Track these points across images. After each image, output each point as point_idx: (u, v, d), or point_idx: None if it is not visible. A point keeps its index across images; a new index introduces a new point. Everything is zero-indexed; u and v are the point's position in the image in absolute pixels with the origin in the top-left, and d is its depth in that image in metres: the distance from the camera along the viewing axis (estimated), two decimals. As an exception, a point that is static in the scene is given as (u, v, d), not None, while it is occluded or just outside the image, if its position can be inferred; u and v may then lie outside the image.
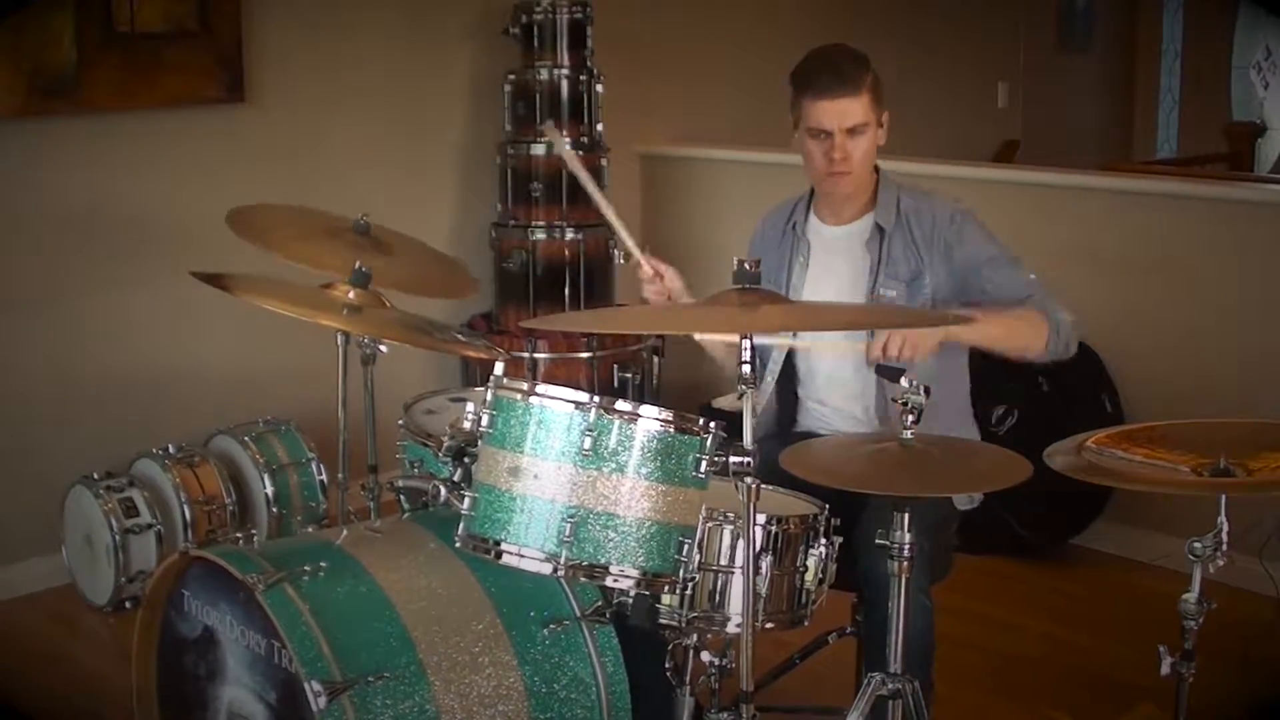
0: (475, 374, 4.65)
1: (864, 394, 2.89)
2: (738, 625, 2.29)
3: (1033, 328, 2.74)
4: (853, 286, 2.88)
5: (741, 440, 2.15)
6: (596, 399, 2.16)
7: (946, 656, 2.70)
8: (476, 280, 3.71)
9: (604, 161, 4.83)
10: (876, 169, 2.91)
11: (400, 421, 2.92)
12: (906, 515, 2.28)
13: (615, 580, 2.18)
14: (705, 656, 2.35)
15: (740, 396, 2.13)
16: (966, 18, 6.89)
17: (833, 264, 2.92)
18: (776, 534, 2.35)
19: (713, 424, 2.20)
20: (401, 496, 2.74)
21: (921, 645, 2.59)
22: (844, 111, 2.78)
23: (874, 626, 2.55)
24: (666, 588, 2.23)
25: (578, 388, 2.22)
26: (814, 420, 2.98)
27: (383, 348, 3.04)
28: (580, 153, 4.75)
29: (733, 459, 2.14)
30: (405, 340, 2.94)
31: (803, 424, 3.01)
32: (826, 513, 2.44)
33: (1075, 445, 2.36)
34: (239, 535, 2.54)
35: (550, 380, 3.74)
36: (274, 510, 4.09)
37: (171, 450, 4.06)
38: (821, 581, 2.41)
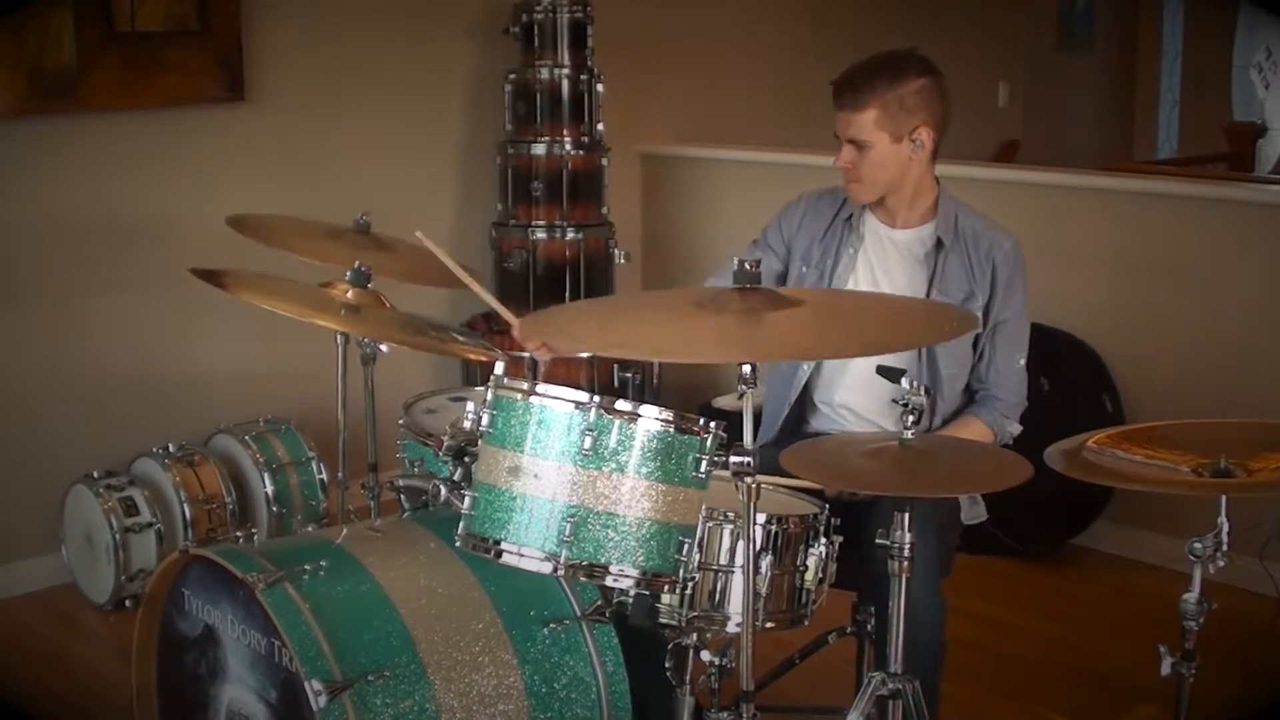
0: (475, 373, 4.64)
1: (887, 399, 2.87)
2: (738, 625, 2.29)
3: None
4: (906, 293, 2.86)
5: (741, 440, 2.15)
6: (597, 399, 2.16)
7: (947, 656, 2.70)
8: (475, 271, 3.72)
9: (604, 161, 4.83)
10: (938, 182, 2.90)
11: (400, 421, 2.92)
12: (907, 515, 2.29)
13: (615, 580, 2.18)
14: (705, 656, 2.35)
15: (740, 396, 2.13)
16: (966, 18, 6.88)
17: (885, 265, 2.90)
18: (776, 533, 2.35)
19: (713, 424, 2.20)
20: (402, 496, 2.74)
21: (934, 642, 2.59)
22: (846, 123, 2.80)
23: (885, 626, 2.55)
24: (666, 587, 2.23)
25: (578, 388, 2.22)
26: (828, 424, 2.96)
27: (383, 347, 3.04)
28: (580, 152, 4.76)
29: (733, 459, 2.14)
30: (403, 342, 2.94)
31: (815, 427, 2.99)
32: (827, 512, 2.44)
33: (1075, 445, 2.36)
34: (239, 534, 2.54)
35: (550, 380, 3.71)
36: (274, 509, 4.09)
37: (171, 449, 4.07)
38: (822, 581, 2.41)
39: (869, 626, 2.80)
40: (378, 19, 4.72)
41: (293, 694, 2.25)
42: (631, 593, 2.24)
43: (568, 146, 4.74)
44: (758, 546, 2.29)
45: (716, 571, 2.31)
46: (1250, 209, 4.32)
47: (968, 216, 2.88)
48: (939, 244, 2.85)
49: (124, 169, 4.21)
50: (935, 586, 2.63)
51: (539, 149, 4.74)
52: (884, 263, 2.90)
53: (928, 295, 2.83)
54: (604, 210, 4.86)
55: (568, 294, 4.76)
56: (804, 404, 2.98)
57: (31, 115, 3.97)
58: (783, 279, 2.97)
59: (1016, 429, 2.87)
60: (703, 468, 2.18)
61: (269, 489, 4.08)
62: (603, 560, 2.16)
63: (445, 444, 2.45)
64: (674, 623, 2.31)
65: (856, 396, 2.91)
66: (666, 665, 2.37)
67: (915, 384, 2.31)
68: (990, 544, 4.04)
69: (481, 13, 4.92)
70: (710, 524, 2.28)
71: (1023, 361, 2.88)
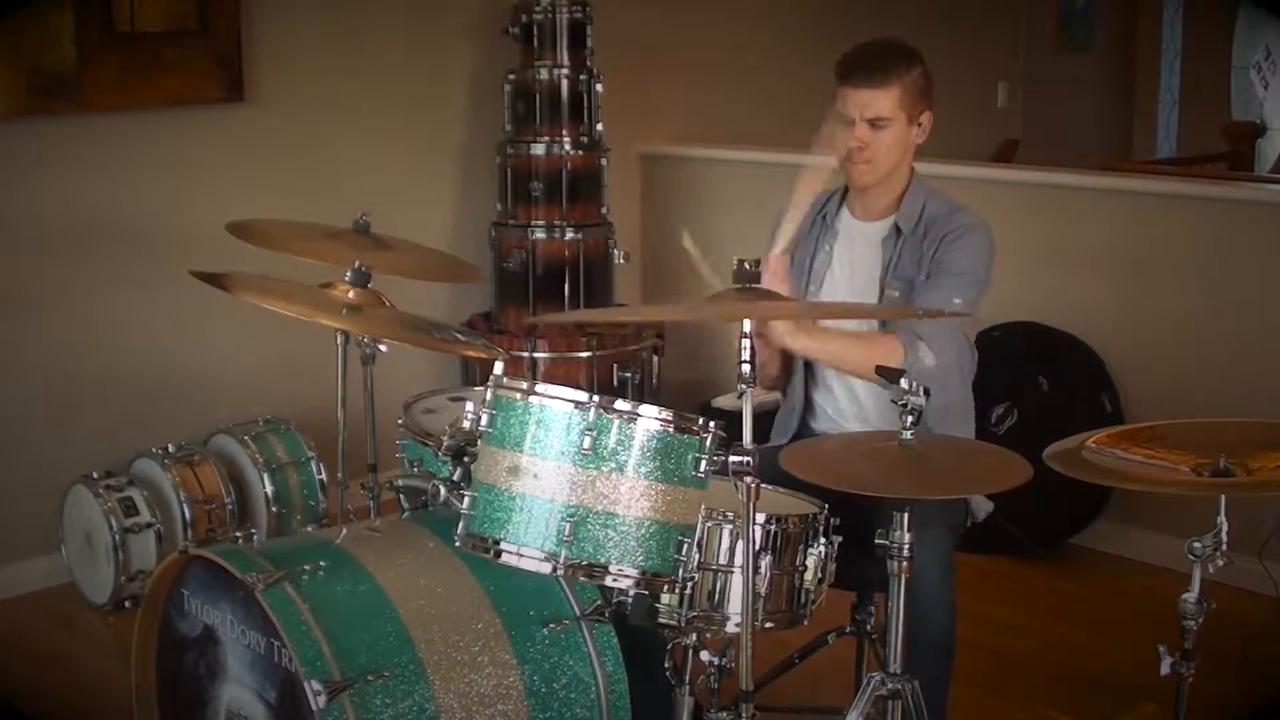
0: (475, 373, 4.65)
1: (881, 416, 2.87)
2: (737, 625, 2.29)
3: (870, 351, 2.66)
4: (868, 283, 2.89)
5: (741, 440, 2.15)
6: (596, 398, 2.16)
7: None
8: (478, 268, 3.72)
9: (603, 161, 4.83)
10: (913, 170, 2.91)
11: (400, 421, 2.92)
12: (906, 515, 2.29)
13: (614, 580, 2.18)
14: (705, 656, 2.35)
15: (740, 396, 2.14)
16: (966, 18, 6.88)
17: (853, 257, 2.93)
18: (776, 533, 2.35)
19: (712, 424, 2.20)
20: (401, 496, 2.74)
21: (945, 642, 2.59)
22: (865, 102, 2.80)
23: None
24: (666, 587, 2.23)
25: (577, 387, 2.22)
26: (829, 427, 2.96)
27: (382, 347, 3.04)
28: (580, 152, 4.76)
29: (732, 459, 2.14)
30: (405, 340, 2.94)
31: (816, 429, 2.99)
32: (826, 512, 2.44)
33: (1075, 445, 2.36)
34: (238, 534, 2.54)
35: (550, 380, 3.75)
36: (273, 509, 4.09)
37: (171, 449, 4.06)
38: (821, 581, 2.41)
39: (868, 626, 2.80)
40: (377, 19, 4.72)
41: (292, 694, 2.25)
42: (631, 593, 2.24)
43: (567, 146, 4.74)
44: (757, 546, 2.28)
45: (716, 571, 2.31)
46: (1250, 209, 4.32)
47: (936, 203, 2.89)
48: (897, 231, 2.86)
49: (124, 169, 4.21)
50: (948, 582, 2.63)
51: (538, 149, 4.74)
52: (851, 255, 2.93)
53: (881, 281, 2.86)
54: (604, 210, 4.86)
55: (567, 293, 4.76)
56: (808, 414, 2.99)
57: (31, 115, 3.97)
58: None
59: (930, 359, 2.70)
60: (702, 467, 2.18)
61: (268, 489, 4.08)
62: (602, 560, 2.16)
63: (444, 444, 2.45)
64: (673, 623, 2.31)
65: (854, 408, 2.91)
66: (666, 665, 2.37)
67: (914, 384, 2.31)
68: (991, 542, 4.03)
69: (481, 13, 4.92)
70: (710, 524, 2.28)
71: (958, 302, 2.75)
